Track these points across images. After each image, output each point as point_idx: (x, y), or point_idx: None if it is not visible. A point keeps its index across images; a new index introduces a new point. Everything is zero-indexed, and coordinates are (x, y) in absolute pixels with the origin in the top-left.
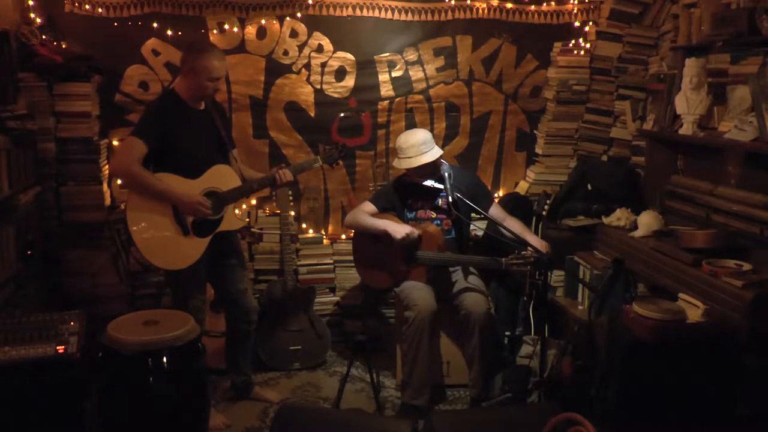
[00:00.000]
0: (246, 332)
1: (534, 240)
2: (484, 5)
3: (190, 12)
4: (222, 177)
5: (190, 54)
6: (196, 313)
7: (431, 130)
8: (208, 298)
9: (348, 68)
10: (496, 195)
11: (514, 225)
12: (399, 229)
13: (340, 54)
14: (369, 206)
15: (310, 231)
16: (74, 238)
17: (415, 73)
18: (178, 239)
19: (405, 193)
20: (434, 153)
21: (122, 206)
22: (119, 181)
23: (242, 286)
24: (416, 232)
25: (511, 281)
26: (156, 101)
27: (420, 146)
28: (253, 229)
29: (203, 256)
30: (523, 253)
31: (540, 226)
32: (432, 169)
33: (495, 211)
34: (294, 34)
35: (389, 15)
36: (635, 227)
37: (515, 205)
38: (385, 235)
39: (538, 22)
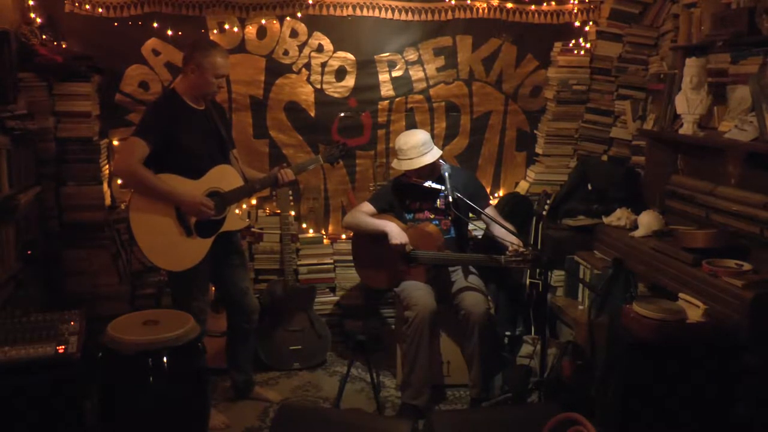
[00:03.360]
0: (247, 331)
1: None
2: (484, 5)
3: (190, 12)
4: (224, 177)
5: (196, 51)
6: (199, 315)
7: (431, 130)
8: (209, 299)
9: (348, 68)
10: (496, 195)
11: (502, 229)
12: (396, 235)
13: (341, 54)
14: (367, 207)
15: (310, 231)
16: (74, 238)
17: (416, 73)
18: (181, 240)
19: (403, 193)
20: (434, 154)
21: (123, 206)
22: (119, 181)
23: (244, 285)
24: (409, 247)
25: (512, 281)
26: (157, 101)
27: (420, 147)
28: (253, 229)
29: (206, 256)
30: (522, 250)
31: (540, 226)
32: (431, 170)
33: (490, 212)
34: (294, 33)
35: (389, 15)
36: (635, 227)
37: (515, 205)
38: (384, 236)
39: (538, 21)
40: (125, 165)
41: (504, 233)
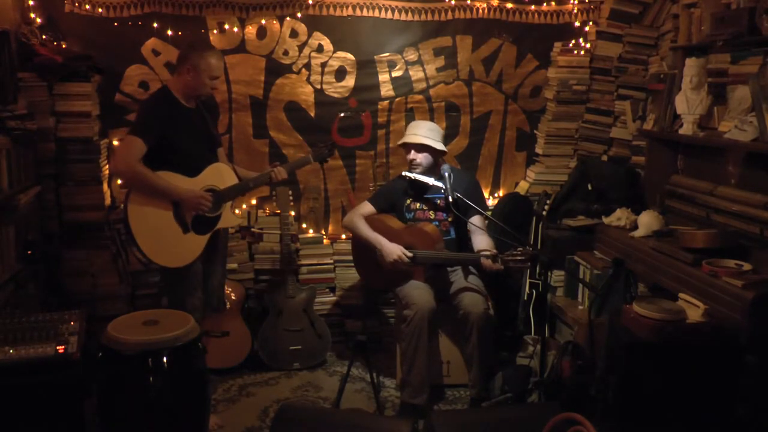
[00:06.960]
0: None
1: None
2: (484, 5)
3: (190, 12)
4: (220, 175)
5: (192, 52)
6: (195, 312)
7: None
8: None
9: (348, 68)
10: (496, 195)
11: (483, 240)
12: (391, 254)
13: (340, 54)
14: (368, 206)
15: (310, 231)
16: (74, 238)
17: (415, 73)
18: (179, 237)
19: (404, 193)
20: (438, 144)
21: (122, 206)
22: (119, 181)
23: (216, 282)
24: (405, 261)
25: (511, 281)
26: (151, 99)
27: (428, 131)
28: (253, 229)
29: (202, 254)
30: (520, 249)
31: (540, 226)
32: (431, 164)
33: (477, 222)
34: (294, 34)
35: (389, 15)
36: (635, 227)
37: (515, 205)
38: (379, 252)
39: (538, 22)
40: (124, 164)
41: (487, 244)
